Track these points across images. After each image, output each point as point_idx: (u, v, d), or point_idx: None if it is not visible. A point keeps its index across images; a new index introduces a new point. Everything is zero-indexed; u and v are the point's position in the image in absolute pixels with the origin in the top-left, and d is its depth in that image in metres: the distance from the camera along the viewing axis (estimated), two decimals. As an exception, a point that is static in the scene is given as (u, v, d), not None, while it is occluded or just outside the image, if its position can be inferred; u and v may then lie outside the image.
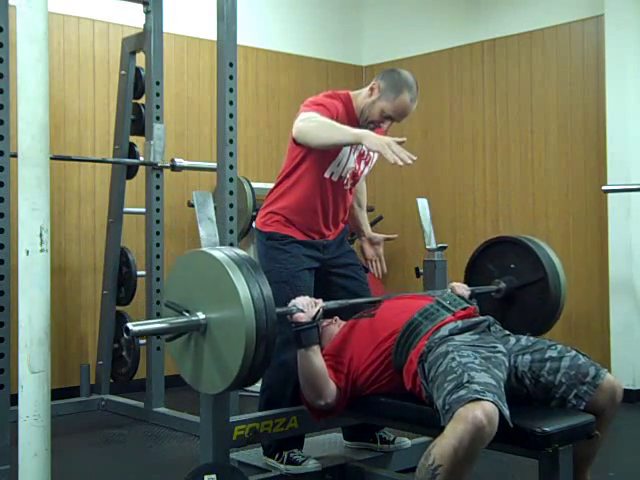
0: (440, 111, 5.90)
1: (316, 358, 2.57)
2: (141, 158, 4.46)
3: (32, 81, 2.35)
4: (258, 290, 2.19)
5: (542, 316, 3.17)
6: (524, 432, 2.18)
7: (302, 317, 2.54)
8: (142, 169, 4.51)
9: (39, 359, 2.34)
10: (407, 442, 3.28)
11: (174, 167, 4.43)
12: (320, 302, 2.61)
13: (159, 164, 4.30)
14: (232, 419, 2.73)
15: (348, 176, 3.07)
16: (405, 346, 2.53)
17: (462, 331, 2.48)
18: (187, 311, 2.28)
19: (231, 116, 3.52)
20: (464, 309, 2.62)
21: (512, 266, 3.22)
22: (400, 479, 3.01)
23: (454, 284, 3.02)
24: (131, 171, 4.62)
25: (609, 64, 4.82)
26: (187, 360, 2.36)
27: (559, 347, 2.47)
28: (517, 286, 3.19)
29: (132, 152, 4.60)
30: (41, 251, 2.34)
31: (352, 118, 3.02)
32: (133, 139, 4.61)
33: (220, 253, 2.27)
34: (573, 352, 2.45)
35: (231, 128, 3.52)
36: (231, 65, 3.45)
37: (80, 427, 4.22)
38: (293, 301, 2.59)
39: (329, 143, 2.77)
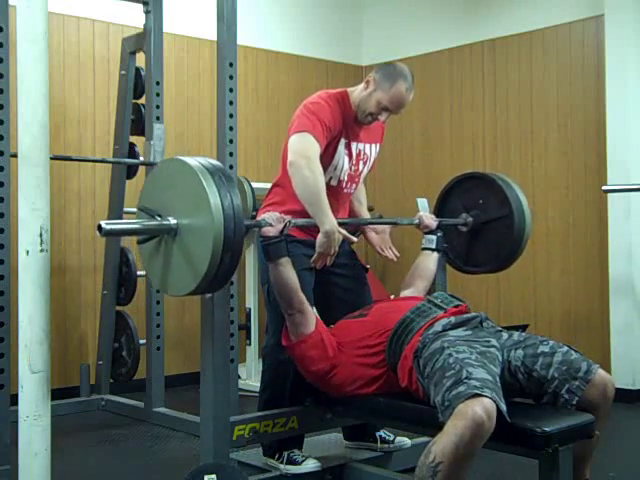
0: (440, 111, 5.90)
1: (284, 270, 2.67)
2: (141, 158, 4.46)
3: (32, 81, 2.36)
4: (229, 199, 2.29)
5: (505, 251, 3.28)
6: (524, 432, 2.19)
7: (270, 231, 2.64)
8: (142, 169, 4.50)
9: (39, 359, 2.34)
10: (407, 442, 3.29)
11: (174, 167, 4.42)
12: (288, 217, 2.70)
13: (159, 164, 4.30)
14: (232, 419, 2.73)
15: (346, 178, 3.07)
16: (398, 343, 2.54)
17: (455, 327, 2.50)
18: (160, 216, 2.39)
19: (231, 116, 3.51)
20: (456, 307, 2.64)
21: (481, 201, 3.33)
22: (400, 479, 3.01)
23: (422, 214, 3.16)
24: (131, 171, 4.62)
25: (609, 64, 4.82)
26: (157, 263, 2.46)
27: (551, 343, 2.49)
28: (484, 221, 3.31)
29: (132, 152, 4.60)
30: (41, 251, 2.34)
31: (348, 115, 3.01)
32: (133, 139, 4.61)
33: (194, 161, 2.36)
34: (565, 348, 2.47)
35: (231, 128, 3.52)
36: (231, 65, 3.45)
37: (80, 427, 4.21)
38: (262, 215, 2.70)
39: (304, 204, 2.82)
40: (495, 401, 2.12)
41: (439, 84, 5.91)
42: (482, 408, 2.08)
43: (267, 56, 5.81)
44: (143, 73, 4.49)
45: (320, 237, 2.77)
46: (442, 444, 2.09)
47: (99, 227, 2.27)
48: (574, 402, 2.38)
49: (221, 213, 2.26)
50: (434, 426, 2.26)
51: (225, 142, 3.48)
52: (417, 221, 3.14)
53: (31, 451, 2.33)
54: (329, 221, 2.75)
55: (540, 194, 5.32)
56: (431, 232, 3.14)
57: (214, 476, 2.42)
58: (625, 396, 4.43)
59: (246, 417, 2.87)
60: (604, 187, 4.58)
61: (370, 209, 5.73)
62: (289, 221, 2.68)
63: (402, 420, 2.65)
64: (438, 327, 2.50)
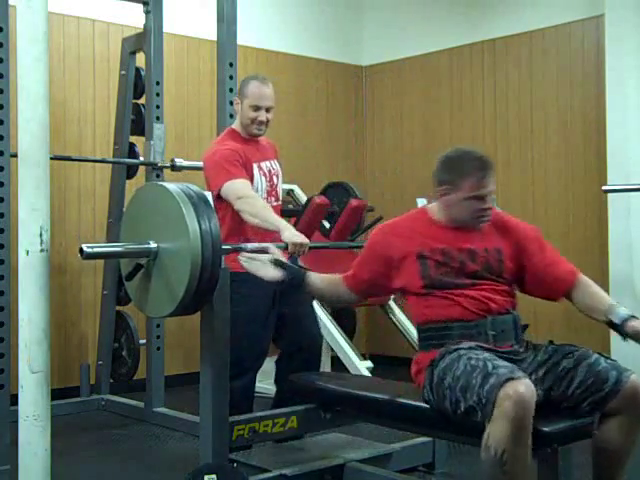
0: (440, 111, 5.90)
1: (315, 287, 2.67)
2: (141, 158, 4.46)
3: (32, 81, 2.36)
4: (207, 225, 2.35)
5: None
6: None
7: (271, 276, 2.62)
8: (142, 169, 4.51)
9: (39, 359, 2.34)
10: None
11: (174, 167, 4.42)
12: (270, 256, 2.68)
13: (159, 164, 4.30)
14: (231, 419, 2.73)
15: (265, 195, 3.28)
16: (431, 341, 2.48)
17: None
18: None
19: (231, 116, 3.53)
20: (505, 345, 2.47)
21: None
22: (400, 479, 3.01)
23: None
24: (131, 171, 4.62)
25: (609, 64, 4.82)
26: (138, 286, 2.53)
27: (577, 355, 2.35)
28: None
29: (132, 152, 4.60)
30: (41, 251, 2.34)
31: (244, 143, 3.25)
32: (133, 139, 4.61)
33: (174, 187, 2.42)
34: (593, 357, 2.33)
35: (231, 128, 3.52)
36: (231, 65, 3.47)
37: (80, 427, 4.22)
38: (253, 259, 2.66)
39: (265, 227, 3.04)
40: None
41: (439, 84, 5.91)
42: (522, 385, 2.08)
43: (267, 56, 5.81)
44: (143, 73, 4.49)
45: (288, 234, 2.90)
46: (496, 433, 2.08)
47: (81, 250, 2.32)
48: (597, 415, 2.29)
49: (199, 238, 2.32)
50: (434, 426, 2.26)
51: (225, 142, 3.48)
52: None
53: (31, 451, 2.34)
54: (285, 225, 2.97)
55: (540, 194, 5.32)
56: None
57: (214, 476, 2.42)
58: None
59: (245, 417, 2.87)
60: (604, 187, 4.58)
61: (370, 209, 5.75)
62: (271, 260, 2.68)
63: (402, 420, 2.65)
64: (464, 345, 2.40)
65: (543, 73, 5.33)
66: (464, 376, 2.24)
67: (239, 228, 3.11)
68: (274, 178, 3.35)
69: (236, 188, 3.09)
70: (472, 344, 2.38)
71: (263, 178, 3.28)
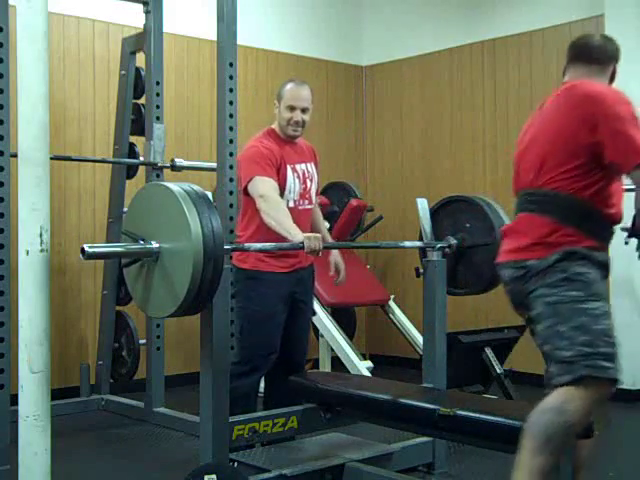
0: (440, 111, 5.90)
1: None
2: (141, 158, 4.46)
3: (32, 81, 2.36)
4: (209, 225, 2.34)
5: (487, 277, 3.30)
6: (523, 431, 2.19)
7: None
8: (142, 169, 4.51)
9: (39, 359, 2.34)
10: None
11: (174, 167, 4.43)
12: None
13: (159, 164, 4.30)
14: (231, 419, 2.74)
15: (297, 197, 3.32)
16: (570, 215, 2.48)
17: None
18: (143, 240, 2.45)
19: (231, 116, 3.52)
20: None
21: (467, 225, 3.37)
22: (400, 479, 3.01)
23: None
24: (131, 171, 4.62)
25: (609, 64, 4.82)
26: (139, 285, 2.52)
27: None
28: (468, 245, 3.35)
29: (132, 152, 4.60)
30: (41, 251, 2.35)
31: (280, 144, 3.33)
32: (133, 139, 4.61)
33: (177, 187, 2.42)
34: None
35: (231, 128, 3.53)
36: (231, 65, 3.46)
37: (80, 427, 4.22)
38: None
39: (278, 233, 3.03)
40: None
41: (439, 84, 5.91)
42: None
43: (267, 56, 5.82)
44: (143, 73, 4.49)
45: (307, 244, 2.89)
46: (581, 408, 2.14)
47: (82, 250, 2.31)
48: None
49: (201, 239, 2.31)
50: (434, 426, 2.25)
51: (225, 142, 3.49)
52: None
53: (31, 451, 2.34)
54: (296, 233, 2.93)
55: (540, 194, 5.31)
56: None
57: (214, 476, 2.43)
58: (625, 396, 4.42)
59: (245, 417, 2.87)
60: (604, 187, 4.57)
61: (370, 209, 5.75)
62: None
63: (402, 420, 2.65)
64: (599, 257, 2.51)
65: (543, 73, 5.33)
66: (585, 316, 2.31)
67: (267, 226, 3.10)
68: (308, 181, 3.39)
69: (263, 187, 3.13)
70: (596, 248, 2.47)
71: (297, 180, 3.33)
